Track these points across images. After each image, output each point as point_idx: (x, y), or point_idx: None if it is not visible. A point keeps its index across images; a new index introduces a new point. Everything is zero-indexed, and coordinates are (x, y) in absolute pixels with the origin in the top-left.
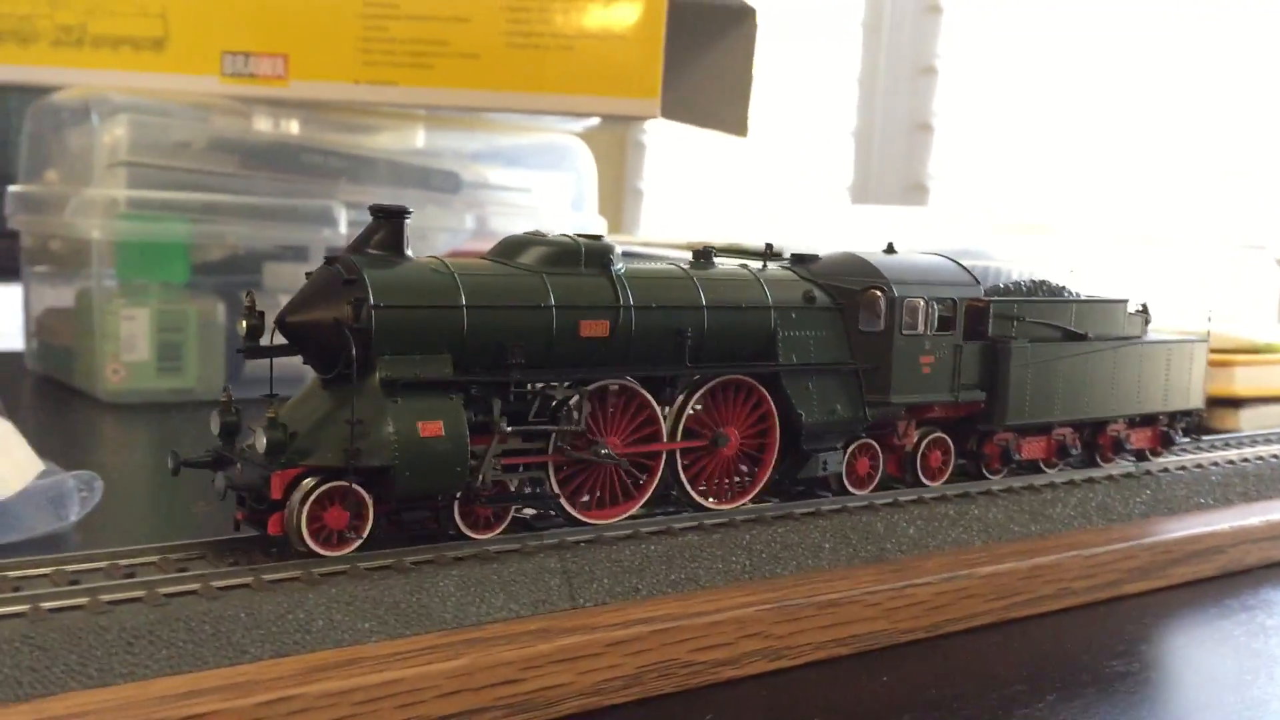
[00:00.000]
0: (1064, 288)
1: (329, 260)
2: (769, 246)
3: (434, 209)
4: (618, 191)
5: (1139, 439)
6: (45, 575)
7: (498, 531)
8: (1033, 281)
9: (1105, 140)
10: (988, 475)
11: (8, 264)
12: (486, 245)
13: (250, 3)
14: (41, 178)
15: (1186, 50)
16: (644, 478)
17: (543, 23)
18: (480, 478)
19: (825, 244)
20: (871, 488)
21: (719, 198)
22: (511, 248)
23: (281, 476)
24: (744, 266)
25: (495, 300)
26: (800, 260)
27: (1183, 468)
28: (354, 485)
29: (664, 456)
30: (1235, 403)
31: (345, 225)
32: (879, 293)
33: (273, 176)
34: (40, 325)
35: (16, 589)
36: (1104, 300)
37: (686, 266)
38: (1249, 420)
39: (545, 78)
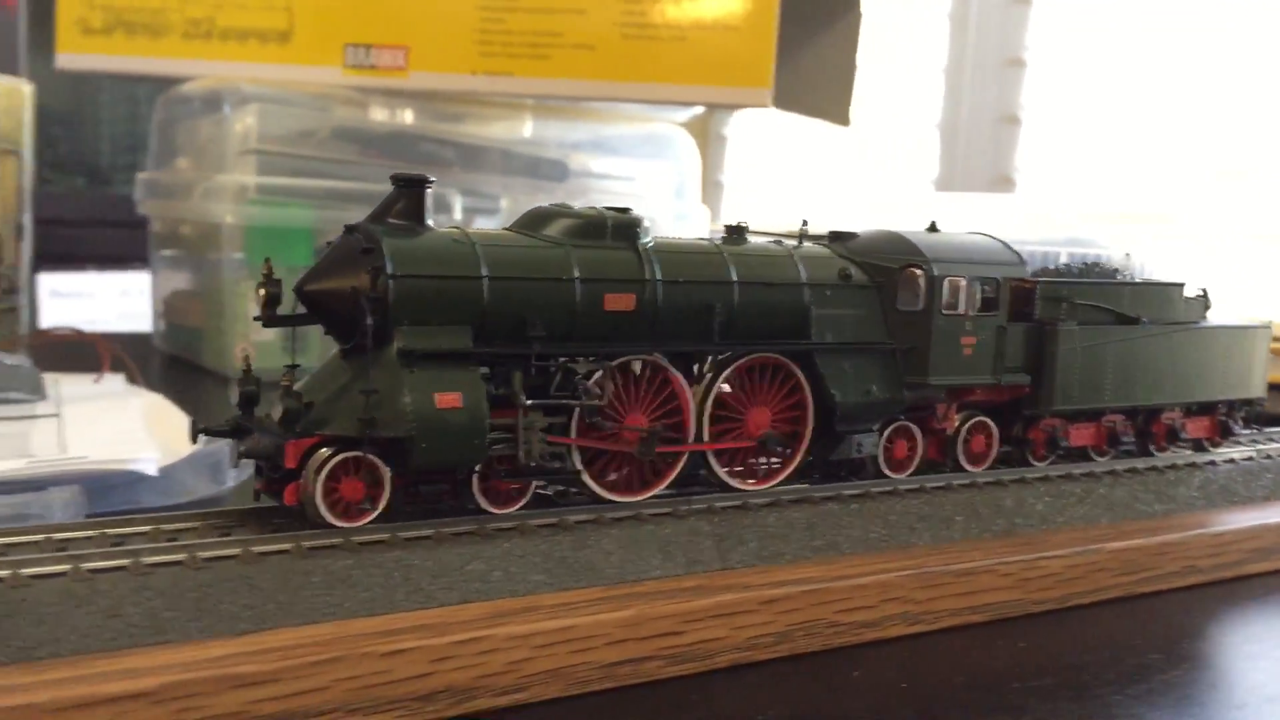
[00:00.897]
0: (1118, 270)
1: (349, 230)
2: (805, 224)
3: (542, 197)
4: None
5: (1195, 428)
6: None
7: (518, 506)
8: (1085, 264)
9: (1194, 133)
10: (1033, 462)
11: (133, 251)
12: None
13: None
14: (171, 165)
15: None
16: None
17: (656, 14)
18: (522, 452)
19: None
20: (909, 471)
21: (800, 190)
22: (536, 219)
23: (296, 446)
24: (778, 243)
25: (517, 272)
26: (838, 238)
27: None
28: (369, 456)
29: (693, 434)
30: None
31: (460, 212)
32: (918, 271)
33: (391, 164)
34: (169, 307)
35: (227, 533)
36: (1159, 283)
37: (719, 242)
38: None
39: (658, 68)
